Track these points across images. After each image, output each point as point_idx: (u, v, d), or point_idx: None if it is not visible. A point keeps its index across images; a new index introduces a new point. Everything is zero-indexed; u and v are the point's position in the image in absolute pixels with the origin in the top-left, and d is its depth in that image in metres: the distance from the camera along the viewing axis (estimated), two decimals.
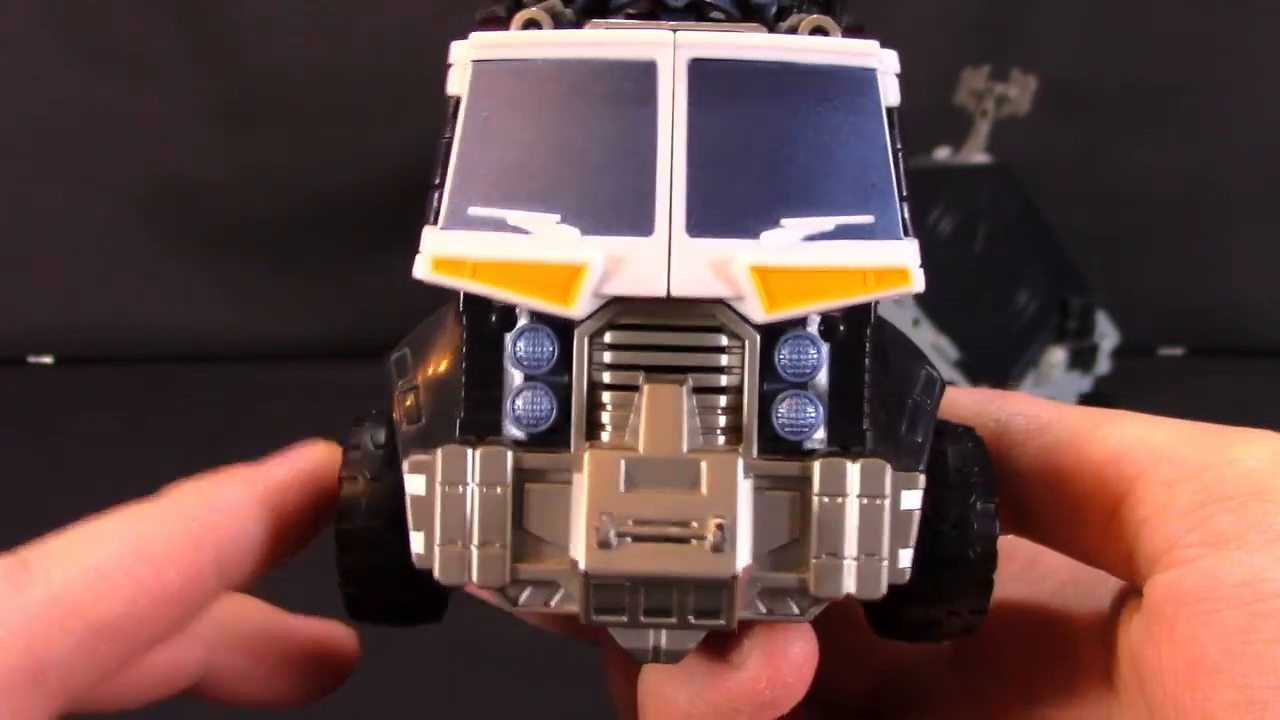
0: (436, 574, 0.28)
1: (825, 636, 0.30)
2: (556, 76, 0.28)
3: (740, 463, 0.27)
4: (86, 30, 1.41)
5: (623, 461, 0.27)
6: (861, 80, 0.28)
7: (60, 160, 1.44)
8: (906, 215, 0.29)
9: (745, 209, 0.27)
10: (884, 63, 0.29)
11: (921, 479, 0.28)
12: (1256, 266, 1.54)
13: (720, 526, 0.26)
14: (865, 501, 0.27)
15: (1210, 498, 0.27)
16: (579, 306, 0.27)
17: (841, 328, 0.29)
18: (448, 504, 0.28)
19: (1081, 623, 0.33)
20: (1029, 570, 0.36)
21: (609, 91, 0.27)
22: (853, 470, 0.28)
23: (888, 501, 0.28)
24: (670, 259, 0.27)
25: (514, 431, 0.28)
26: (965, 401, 0.33)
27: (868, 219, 0.28)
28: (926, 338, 1.19)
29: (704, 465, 0.27)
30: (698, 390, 0.28)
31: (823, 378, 0.28)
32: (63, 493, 1.06)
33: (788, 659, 0.28)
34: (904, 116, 0.29)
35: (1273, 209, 1.54)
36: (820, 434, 0.28)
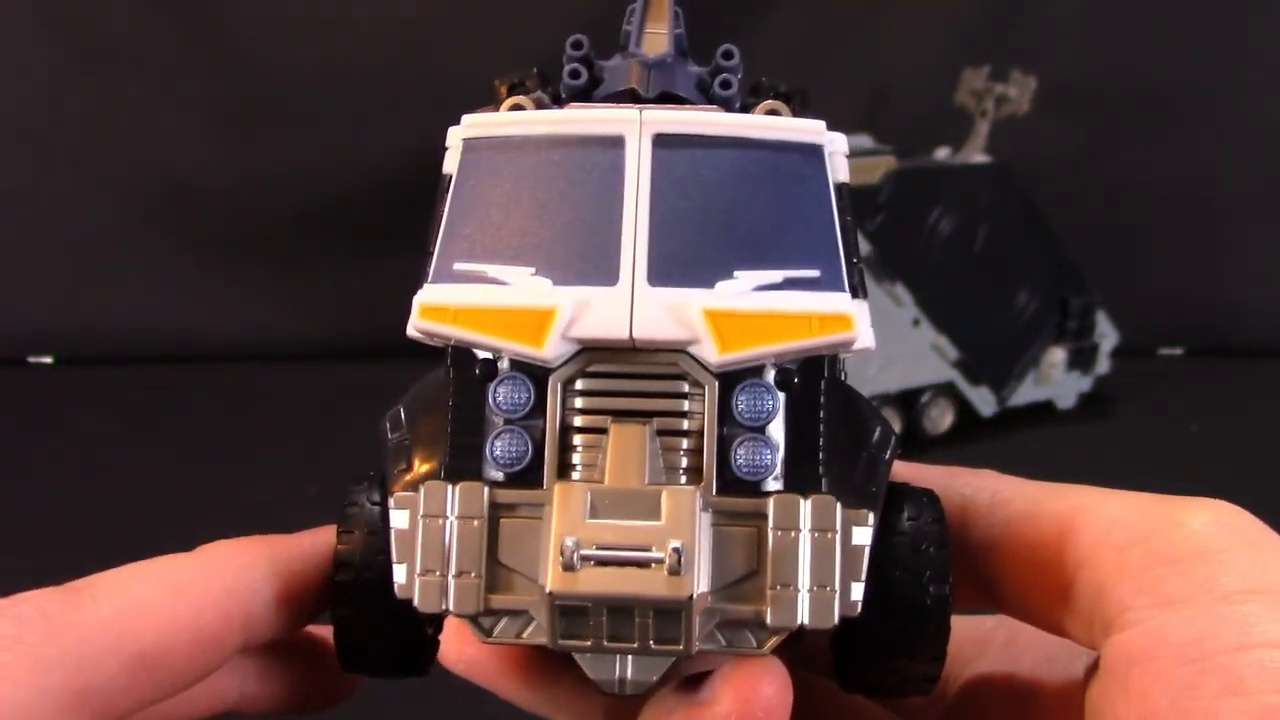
0: (416, 602, 0.30)
1: None
2: (536, 150, 0.31)
3: (698, 494, 0.29)
4: (87, 31, 1.41)
5: (588, 492, 0.29)
6: (809, 153, 0.31)
7: (61, 161, 1.44)
8: (856, 279, 0.31)
9: (702, 262, 0.30)
10: (832, 142, 0.32)
11: (871, 517, 0.29)
12: (1256, 267, 1.54)
13: (677, 551, 0.28)
14: (816, 535, 0.29)
15: (1158, 561, 0.28)
16: (549, 348, 0.29)
17: (796, 379, 0.30)
18: (428, 535, 0.29)
19: (1057, 695, 0.34)
20: (1007, 649, 0.37)
21: (582, 162, 0.31)
22: (805, 506, 0.29)
23: (838, 536, 0.29)
24: (633, 305, 0.29)
25: (493, 473, 0.30)
26: (932, 476, 0.34)
27: (814, 273, 0.30)
28: (926, 338, 1.19)
29: (664, 496, 0.29)
30: (662, 433, 0.30)
31: (779, 425, 0.30)
32: (63, 492, 1.06)
33: (759, 695, 0.29)
34: (850, 192, 0.32)
35: (1273, 209, 1.54)
36: (777, 477, 0.30)
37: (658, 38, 0.34)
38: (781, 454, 0.30)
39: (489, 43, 1.37)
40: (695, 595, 0.28)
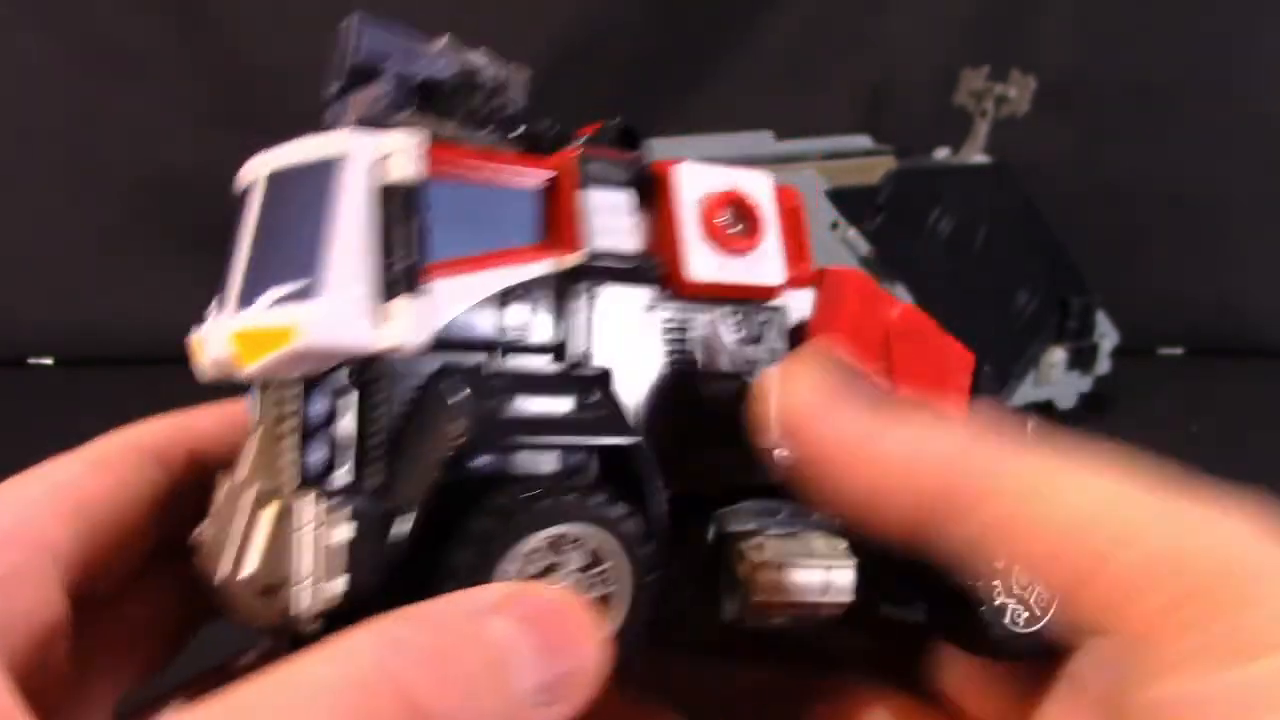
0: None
1: None
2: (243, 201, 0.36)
3: (250, 492, 0.33)
4: (86, 30, 1.41)
5: (224, 488, 0.35)
6: (327, 169, 0.33)
7: (60, 161, 1.44)
8: (396, 278, 0.32)
9: (254, 286, 0.33)
10: (379, 148, 0.33)
11: (348, 515, 0.31)
12: (1256, 266, 1.54)
13: (218, 539, 0.34)
14: (304, 530, 0.31)
15: (1184, 603, 0.26)
16: (202, 371, 0.35)
17: (350, 380, 0.32)
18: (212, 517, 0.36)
19: None
20: None
21: (244, 206, 0.36)
22: (299, 504, 0.32)
23: (314, 531, 0.31)
24: (222, 332, 0.33)
25: None
26: (943, 448, 0.31)
27: (300, 284, 0.32)
28: None
29: (242, 494, 0.34)
30: (291, 433, 0.33)
31: (331, 426, 0.32)
32: None
33: None
34: (411, 192, 0.32)
35: (1273, 209, 1.54)
36: (316, 476, 0.32)
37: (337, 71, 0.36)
38: (325, 454, 0.32)
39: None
40: (225, 579, 0.32)
